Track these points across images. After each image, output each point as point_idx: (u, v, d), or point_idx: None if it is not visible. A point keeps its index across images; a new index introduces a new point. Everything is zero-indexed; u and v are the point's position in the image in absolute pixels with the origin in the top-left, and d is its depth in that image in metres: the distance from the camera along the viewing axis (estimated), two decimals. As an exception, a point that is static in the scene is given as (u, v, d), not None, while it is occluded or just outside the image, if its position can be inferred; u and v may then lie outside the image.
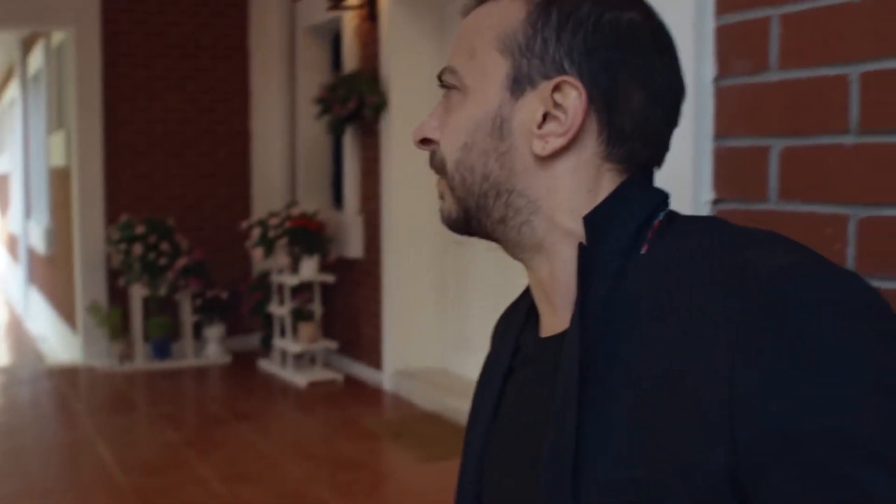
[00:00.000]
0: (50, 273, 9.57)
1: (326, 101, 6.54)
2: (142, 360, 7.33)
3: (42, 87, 9.54)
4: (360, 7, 6.25)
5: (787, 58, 1.39)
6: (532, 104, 0.94)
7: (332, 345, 6.93)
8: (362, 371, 6.79)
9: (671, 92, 0.97)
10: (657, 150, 0.98)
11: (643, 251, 0.91)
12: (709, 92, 1.50)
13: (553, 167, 0.95)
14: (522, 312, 1.08)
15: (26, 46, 10.81)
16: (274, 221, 6.78)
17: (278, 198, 7.72)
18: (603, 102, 0.93)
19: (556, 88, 0.93)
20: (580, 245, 0.92)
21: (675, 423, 0.81)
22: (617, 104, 0.93)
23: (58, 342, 8.91)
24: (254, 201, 7.96)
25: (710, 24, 1.50)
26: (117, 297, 7.52)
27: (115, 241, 7.17)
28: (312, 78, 7.53)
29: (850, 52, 1.30)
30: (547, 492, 0.88)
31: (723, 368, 0.78)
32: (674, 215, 0.95)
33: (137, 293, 7.27)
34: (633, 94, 0.93)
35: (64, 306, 8.55)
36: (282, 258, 6.80)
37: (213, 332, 7.57)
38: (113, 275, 7.47)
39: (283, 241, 6.72)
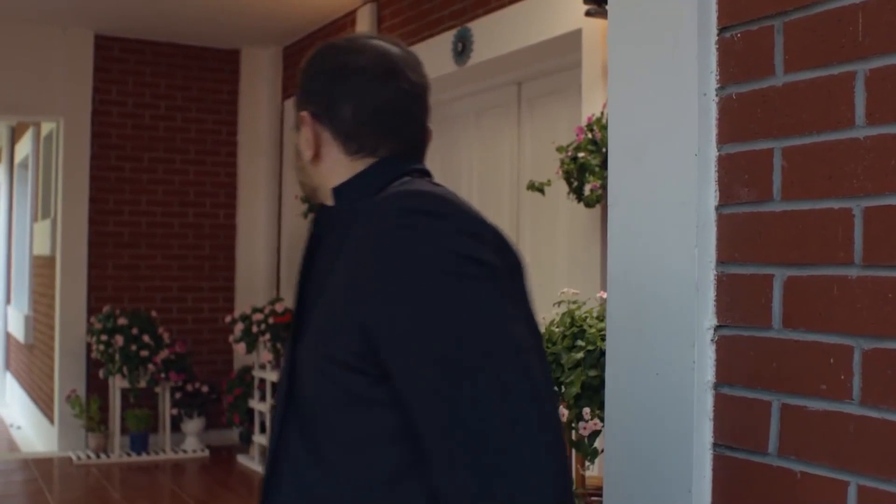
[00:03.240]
0: (28, 361, 9.46)
1: (313, 198, 6.57)
2: (118, 453, 7.22)
3: (29, 175, 9.56)
4: (350, 106, 6.33)
5: (790, 189, 1.42)
6: (300, 135, 1.48)
7: (313, 442, 6.84)
8: (342, 469, 6.68)
9: (381, 102, 1.44)
10: (390, 141, 1.45)
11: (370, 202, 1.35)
12: (711, 219, 1.52)
13: (320, 165, 1.47)
14: None
15: (15, 134, 10.86)
16: (258, 317, 6.76)
17: (262, 292, 7.70)
18: (326, 119, 1.45)
19: (301, 121, 1.48)
20: (320, 206, 1.47)
21: (340, 305, 1.28)
22: (334, 118, 1.44)
23: (33, 432, 8.77)
24: (237, 295, 7.93)
25: (712, 154, 1.53)
26: (96, 387, 7.43)
27: (97, 331, 7.12)
28: (300, 174, 7.59)
29: (853, 187, 1.33)
30: (292, 337, 1.40)
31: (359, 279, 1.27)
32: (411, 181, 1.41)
33: (117, 385, 7.19)
34: (345, 110, 1.44)
35: (41, 395, 8.44)
36: (264, 354, 6.76)
37: (193, 425, 7.47)
38: (92, 365, 7.40)
39: (266, 337, 6.69)
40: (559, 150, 3.97)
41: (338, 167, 1.45)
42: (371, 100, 1.44)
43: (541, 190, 4.17)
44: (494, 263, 1.23)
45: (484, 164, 5.50)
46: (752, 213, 1.47)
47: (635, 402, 1.62)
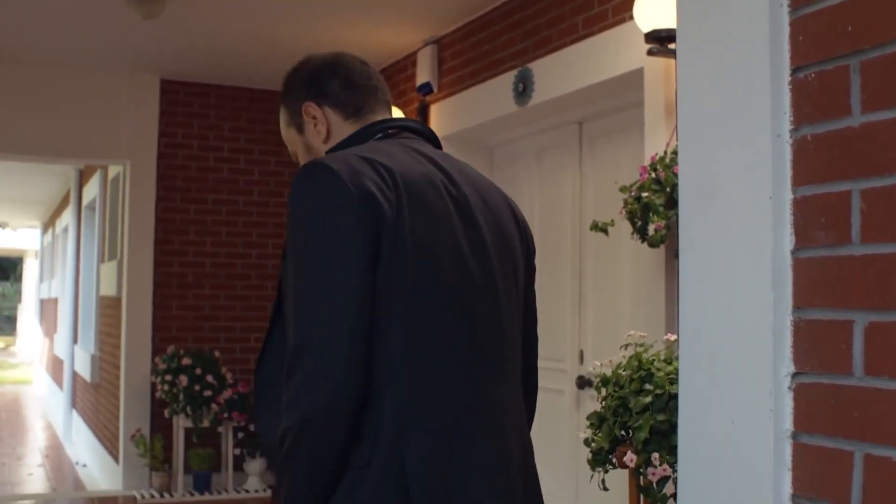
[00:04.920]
0: (94, 400, 9.58)
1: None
2: (182, 492, 7.26)
3: (96, 217, 9.73)
4: (411, 147, 6.36)
5: (870, 231, 1.38)
6: (307, 128, 2.03)
7: (375, 482, 6.80)
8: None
9: (352, 72, 2.03)
10: (369, 101, 2.02)
11: None
12: (787, 263, 1.49)
13: (329, 140, 2.01)
14: None
15: (83, 176, 11.07)
16: (320, 356, 6.76)
17: (324, 331, 7.72)
18: (324, 98, 2.01)
19: (306, 111, 2.01)
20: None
21: None
22: (328, 94, 2.01)
23: (98, 470, 8.86)
24: (299, 334, 7.94)
25: (787, 197, 1.49)
26: (160, 426, 7.49)
27: (161, 371, 7.19)
28: (361, 213, 7.61)
29: (936, 230, 1.29)
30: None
31: None
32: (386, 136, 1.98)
33: (181, 424, 7.24)
34: (334, 85, 2.01)
35: (106, 434, 8.53)
36: (326, 393, 6.74)
37: (255, 465, 7.49)
38: (157, 404, 7.46)
39: (329, 376, 6.69)
40: (622, 189, 3.94)
41: (341, 131, 1.99)
42: (346, 71, 2.02)
43: (604, 230, 4.13)
44: (344, 217, 1.70)
45: (545, 204, 5.48)
46: (830, 257, 1.43)
47: (710, 451, 1.58)
